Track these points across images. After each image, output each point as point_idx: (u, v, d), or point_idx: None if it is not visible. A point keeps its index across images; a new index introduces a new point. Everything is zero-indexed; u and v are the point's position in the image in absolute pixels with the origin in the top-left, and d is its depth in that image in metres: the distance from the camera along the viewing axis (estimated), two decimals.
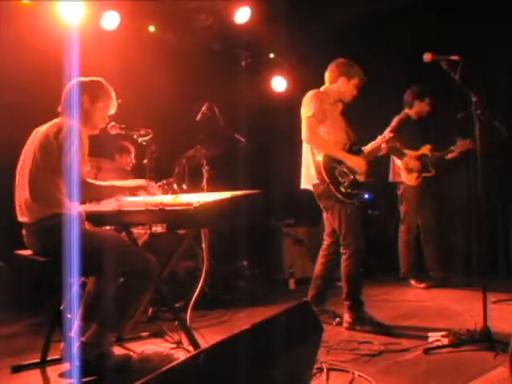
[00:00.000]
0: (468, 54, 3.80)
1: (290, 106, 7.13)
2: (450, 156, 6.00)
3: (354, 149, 4.38)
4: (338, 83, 4.42)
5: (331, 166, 4.22)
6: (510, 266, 6.60)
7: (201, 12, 6.52)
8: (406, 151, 5.97)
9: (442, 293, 5.64)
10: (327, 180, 4.18)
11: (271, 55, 7.55)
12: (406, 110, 6.14)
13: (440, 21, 6.60)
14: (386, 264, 6.77)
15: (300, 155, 4.50)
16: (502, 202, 6.74)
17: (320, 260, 4.58)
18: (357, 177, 4.30)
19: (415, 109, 6.09)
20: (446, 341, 3.58)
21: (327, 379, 3.00)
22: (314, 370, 3.01)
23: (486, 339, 3.46)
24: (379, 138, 4.47)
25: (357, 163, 4.28)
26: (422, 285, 5.94)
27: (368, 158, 4.42)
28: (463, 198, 6.97)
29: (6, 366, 3.38)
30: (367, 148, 4.46)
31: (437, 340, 3.64)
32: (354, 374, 3.06)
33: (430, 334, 3.74)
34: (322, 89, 4.46)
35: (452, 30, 6.52)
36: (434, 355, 3.41)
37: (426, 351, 3.45)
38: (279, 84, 7.60)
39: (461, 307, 4.76)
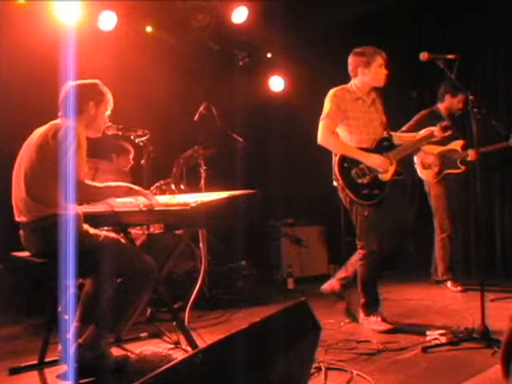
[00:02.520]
0: (465, 53, 3.82)
1: (288, 105, 7.18)
2: (491, 148, 5.58)
3: (384, 145, 4.20)
4: (359, 76, 4.21)
5: (346, 167, 4.08)
6: (508, 265, 6.60)
7: (198, 12, 6.50)
8: (426, 147, 5.58)
9: (441, 291, 5.64)
10: (340, 181, 4.09)
11: (269, 55, 7.54)
12: (438, 104, 5.86)
13: (438, 20, 6.63)
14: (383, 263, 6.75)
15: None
16: (500, 200, 6.74)
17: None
18: (379, 176, 4.12)
19: (445, 104, 5.78)
20: (444, 339, 3.58)
21: (325, 378, 3.00)
22: (313, 370, 3.00)
23: (483, 337, 3.46)
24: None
25: (375, 162, 4.08)
26: (459, 288, 5.63)
27: (398, 155, 4.22)
28: (461, 198, 6.96)
29: (4, 367, 3.36)
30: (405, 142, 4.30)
31: (435, 338, 3.64)
32: (352, 373, 3.06)
33: (428, 332, 3.74)
34: (348, 85, 4.29)
35: (449, 29, 6.56)
36: (432, 354, 3.41)
37: (425, 350, 3.45)
38: (277, 84, 7.58)
39: (459, 306, 4.77)
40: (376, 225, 4.10)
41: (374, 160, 4.08)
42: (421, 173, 5.84)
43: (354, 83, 4.26)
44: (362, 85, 4.21)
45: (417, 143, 4.35)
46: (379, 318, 4.12)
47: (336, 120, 4.13)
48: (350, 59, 4.27)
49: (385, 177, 4.12)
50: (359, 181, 4.07)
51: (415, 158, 5.86)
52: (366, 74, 4.16)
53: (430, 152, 5.68)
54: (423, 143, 4.43)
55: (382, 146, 4.18)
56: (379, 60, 4.15)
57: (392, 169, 4.14)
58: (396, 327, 4.05)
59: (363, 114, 4.20)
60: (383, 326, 4.06)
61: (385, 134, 4.24)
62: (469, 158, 5.63)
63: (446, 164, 5.72)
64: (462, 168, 5.70)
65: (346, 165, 4.09)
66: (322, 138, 4.13)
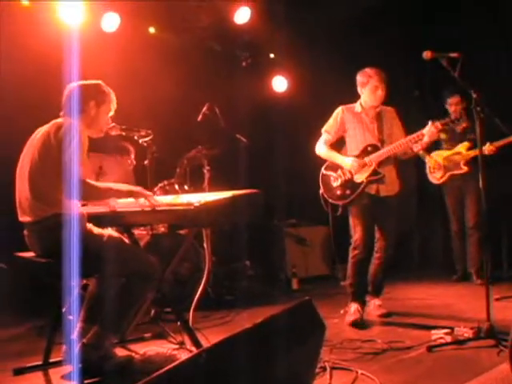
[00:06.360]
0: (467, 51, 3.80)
1: (291, 105, 7.17)
2: (492, 147, 5.61)
3: (367, 150, 4.47)
4: (361, 95, 4.57)
5: (325, 174, 4.61)
6: None
7: (201, 13, 6.51)
8: (434, 152, 6.08)
9: (445, 290, 5.63)
10: (321, 190, 4.60)
11: (271, 55, 7.54)
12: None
13: (440, 19, 6.61)
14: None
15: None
16: (506, 200, 6.71)
17: None
18: (354, 178, 4.43)
19: (450, 107, 5.99)
20: (449, 338, 3.57)
21: (330, 378, 2.99)
22: (317, 369, 2.99)
23: (489, 336, 3.45)
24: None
25: (346, 164, 4.46)
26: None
27: (379, 157, 4.40)
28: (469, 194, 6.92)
29: (8, 368, 3.36)
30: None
31: (440, 337, 3.62)
32: (357, 372, 3.05)
33: (433, 331, 3.73)
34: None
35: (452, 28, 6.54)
36: (437, 353, 3.40)
37: (429, 349, 3.43)
38: (280, 84, 7.58)
39: (464, 305, 4.75)
40: (354, 223, 4.45)
41: (346, 162, 4.48)
42: (430, 176, 6.21)
43: (361, 98, 4.60)
44: (364, 101, 4.58)
45: (400, 146, 4.36)
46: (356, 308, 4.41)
47: (330, 132, 4.61)
48: (356, 78, 4.60)
49: (359, 178, 4.44)
50: (334, 184, 4.54)
51: (426, 165, 6.22)
52: (364, 92, 4.55)
53: (434, 158, 6.09)
54: (410, 144, 4.37)
55: (366, 151, 4.48)
56: (374, 82, 4.47)
57: (369, 170, 4.42)
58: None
59: (362, 126, 4.54)
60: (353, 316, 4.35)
61: (374, 142, 4.48)
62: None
63: (450, 167, 6.01)
64: (465, 169, 5.92)
65: (325, 172, 4.63)
66: (315, 147, 4.67)
